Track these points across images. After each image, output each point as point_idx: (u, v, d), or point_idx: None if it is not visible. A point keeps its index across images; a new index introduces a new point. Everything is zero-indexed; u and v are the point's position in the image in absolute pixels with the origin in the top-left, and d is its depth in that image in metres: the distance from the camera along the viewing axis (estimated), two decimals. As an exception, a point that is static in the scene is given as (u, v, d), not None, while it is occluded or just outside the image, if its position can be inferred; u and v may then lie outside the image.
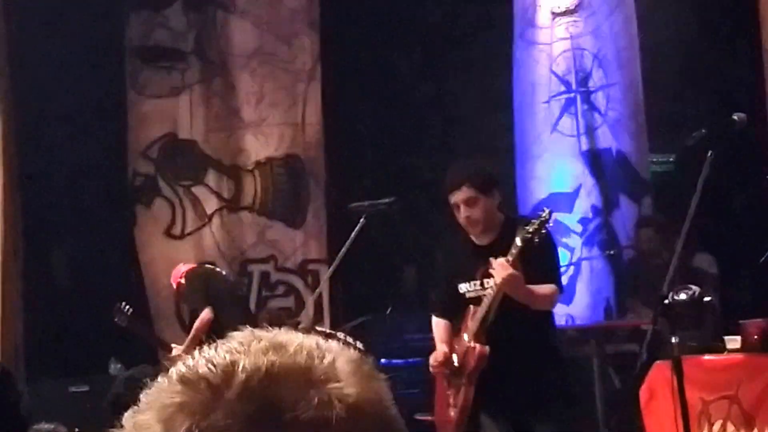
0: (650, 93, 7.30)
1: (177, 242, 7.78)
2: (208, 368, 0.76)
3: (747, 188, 7.18)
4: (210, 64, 7.85)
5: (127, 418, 0.77)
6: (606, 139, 7.32)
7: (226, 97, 7.83)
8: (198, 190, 7.88)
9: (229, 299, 6.64)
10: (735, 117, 3.59)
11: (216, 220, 7.83)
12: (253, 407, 0.73)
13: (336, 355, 0.78)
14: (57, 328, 7.57)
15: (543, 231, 3.98)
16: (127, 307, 6.60)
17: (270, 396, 0.74)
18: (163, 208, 7.87)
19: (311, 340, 0.79)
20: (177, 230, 7.80)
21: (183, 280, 6.57)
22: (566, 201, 7.43)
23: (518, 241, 3.94)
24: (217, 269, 6.96)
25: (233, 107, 7.83)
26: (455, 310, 4.24)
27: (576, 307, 7.36)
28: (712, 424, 5.13)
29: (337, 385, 0.75)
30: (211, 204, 7.85)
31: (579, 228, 7.39)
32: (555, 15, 7.49)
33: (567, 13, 7.45)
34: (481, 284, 4.13)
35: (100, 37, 7.73)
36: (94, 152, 7.84)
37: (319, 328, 6.15)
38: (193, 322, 6.47)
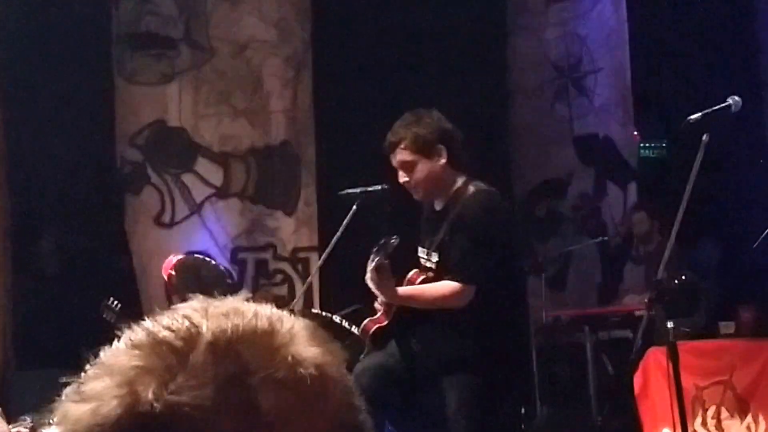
0: (642, 77, 7.27)
1: (167, 230, 7.72)
2: (169, 333, 0.74)
3: (741, 172, 7.15)
4: (200, 50, 7.78)
5: (71, 391, 0.75)
6: (595, 125, 7.32)
7: (216, 84, 7.78)
8: (187, 178, 7.83)
9: (221, 289, 6.60)
10: (730, 100, 3.57)
11: (206, 208, 7.78)
12: (222, 369, 0.72)
13: (292, 320, 0.78)
14: (47, 317, 7.52)
15: (386, 260, 3.59)
16: (116, 302, 6.52)
17: (239, 357, 0.73)
18: (152, 196, 7.82)
19: (266, 308, 0.79)
20: (166, 218, 7.74)
21: (173, 272, 6.54)
22: (560, 187, 7.42)
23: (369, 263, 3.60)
24: (207, 259, 6.92)
25: (223, 94, 7.78)
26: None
27: (568, 294, 7.36)
28: (706, 410, 5.13)
29: (301, 347, 0.75)
30: (201, 192, 7.80)
31: (571, 214, 7.39)
32: (549, 0, 7.46)
33: None
34: (427, 253, 3.81)
35: (87, 23, 7.66)
36: (82, 139, 7.78)
37: (314, 311, 6.10)
38: None
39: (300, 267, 7.66)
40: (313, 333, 0.78)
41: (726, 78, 6.65)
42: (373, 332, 3.89)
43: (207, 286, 6.46)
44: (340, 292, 7.45)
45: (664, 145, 7.95)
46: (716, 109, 3.58)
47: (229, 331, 0.74)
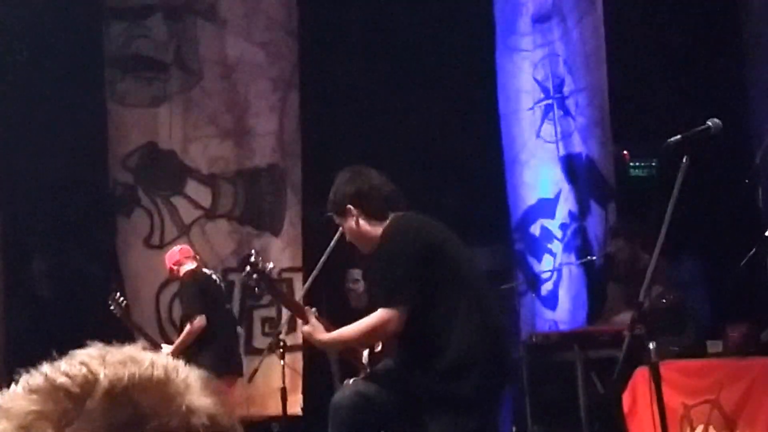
0: (632, 96, 7.30)
1: (157, 252, 7.75)
2: (67, 379, 0.76)
3: (729, 191, 7.19)
4: (190, 73, 7.84)
5: None
6: (577, 145, 7.36)
7: (205, 106, 7.82)
8: (177, 200, 7.85)
9: (222, 307, 6.64)
10: (709, 123, 3.59)
11: (195, 230, 7.81)
12: (117, 416, 0.73)
13: (187, 370, 0.80)
14: (39, 338, 7.52)
15: (255, 279, 3.77)
16: (122, 298, 6.61)
17: (134, 405, 0.74)
18: (143, 218, 7.85)
19: (161, 356, 0.81)
20: (156, 240, 7.77)
21: (181, 280, 6.51)
22: (550, 206, 7.46)
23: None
24: (213, 276, 6.89)
25: (212, 116, 7.82)
26: None
27: (559, 313, 7.38)
28: (694, 429, 5.14)
29: (195, 397, 0.77)
30: (190, 213, 7.83)
31: (560, 234, 7.42)
32: (534, 21, 7.51)
33: (543, 19, 7.47)
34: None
35: (79, 47, 7.71)
36: (74, 162, 7.81)
37: None
38: (184, 323, 6.45)
39: (284, 288, 7.67)
40: (207, 383, 0.79)
41: (711, 96, 6.68)
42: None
43: (210, 304, 6.46)
44: (326, 313, 7.46)
45: (654, 164, 7.98)
46: (695, 132, 3.60)
47: (126, 378, 0.76)
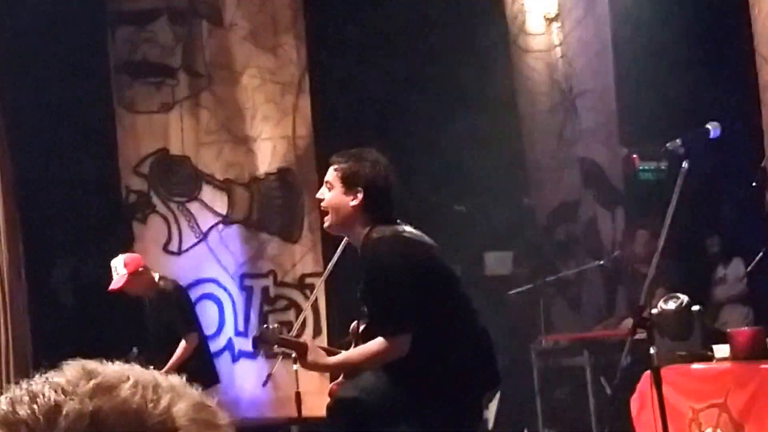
0: (641, 98, 7.30)
1: (175, 258, 7.82)
2: (31, 410, 0.71)
3: (737, 195, 7.21)
4: (198, 77, 7.84)
5: None
6: (585, 148, 7.36)
7: (215, 111, 7.84)
8: (193, 206, 7.90)
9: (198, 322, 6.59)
10: (708, 126, 3.65)
11: (213, 235, 7.87)
12: None
13: (174, 398, 0.73)
14: (64, 344, 7.64)
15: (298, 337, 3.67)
16: (135, 349, 6.37)
17: None
18: (159, 224, 7.87)
19: (149, 379, 0.74)
20: (174, 246, 7.84)
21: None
22: (572, 210, 7.47)
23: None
24: (189, 306, 6.83)
25: (223, 121, 7.85)
26: None
27: (578, 316, 7.41)
28: (703, 432, 5.19)
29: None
30: (206, 219, 7.89)
31: (581, 237, 7.44)
32: (549, 21, 7.47)
33: (555, 19, 7.44)
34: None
35: (86, 53, 7.72)
36: (88, 169, 7.88)
37: None
38: (169, 335, 6.28)
39: (309, 293, 7.71)
40: (196, 414, 0.72)
41: (722, 98, 6.69)
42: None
43: (198, 321, 6.48)
44: (348, 317, 7.52)
45: (663, 167, 8.00)
46: (694, 135, 3.66)
47: (89, 416, 0.70)
